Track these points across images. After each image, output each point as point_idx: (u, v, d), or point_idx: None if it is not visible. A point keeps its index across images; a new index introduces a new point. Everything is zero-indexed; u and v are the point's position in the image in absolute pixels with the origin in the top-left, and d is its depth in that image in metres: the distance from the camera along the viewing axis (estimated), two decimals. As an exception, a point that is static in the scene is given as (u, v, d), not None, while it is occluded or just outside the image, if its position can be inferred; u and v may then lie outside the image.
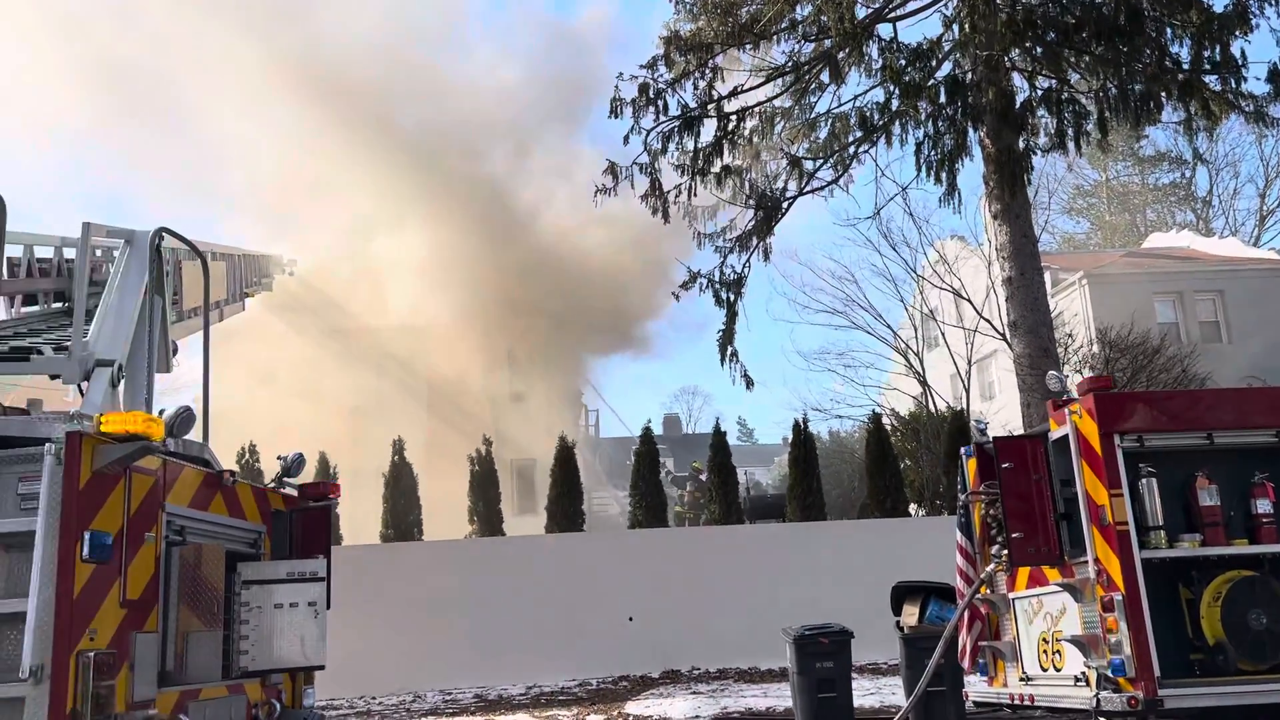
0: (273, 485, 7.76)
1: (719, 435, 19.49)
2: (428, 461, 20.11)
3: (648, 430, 19.34)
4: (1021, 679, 8.66)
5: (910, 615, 10.98)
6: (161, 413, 6.10)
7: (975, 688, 9.21)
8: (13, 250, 9.71)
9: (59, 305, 9.22)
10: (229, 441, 19.13)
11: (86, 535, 5.43)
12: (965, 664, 9.31)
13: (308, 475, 18.49)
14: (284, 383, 26.25)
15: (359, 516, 19.33)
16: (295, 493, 7.94)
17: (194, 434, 6.98)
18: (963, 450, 9.44)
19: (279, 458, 7.87)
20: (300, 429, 21.60)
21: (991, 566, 8.86)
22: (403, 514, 18.75)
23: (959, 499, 9.37)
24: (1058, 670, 8.17)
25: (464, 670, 16.62)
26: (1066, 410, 7.87)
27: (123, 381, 7.34)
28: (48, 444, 5.49)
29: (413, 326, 26.94)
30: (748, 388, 19.38)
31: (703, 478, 21.36)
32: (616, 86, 19.01)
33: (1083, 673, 7.65)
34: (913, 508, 20.69)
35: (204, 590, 6.23)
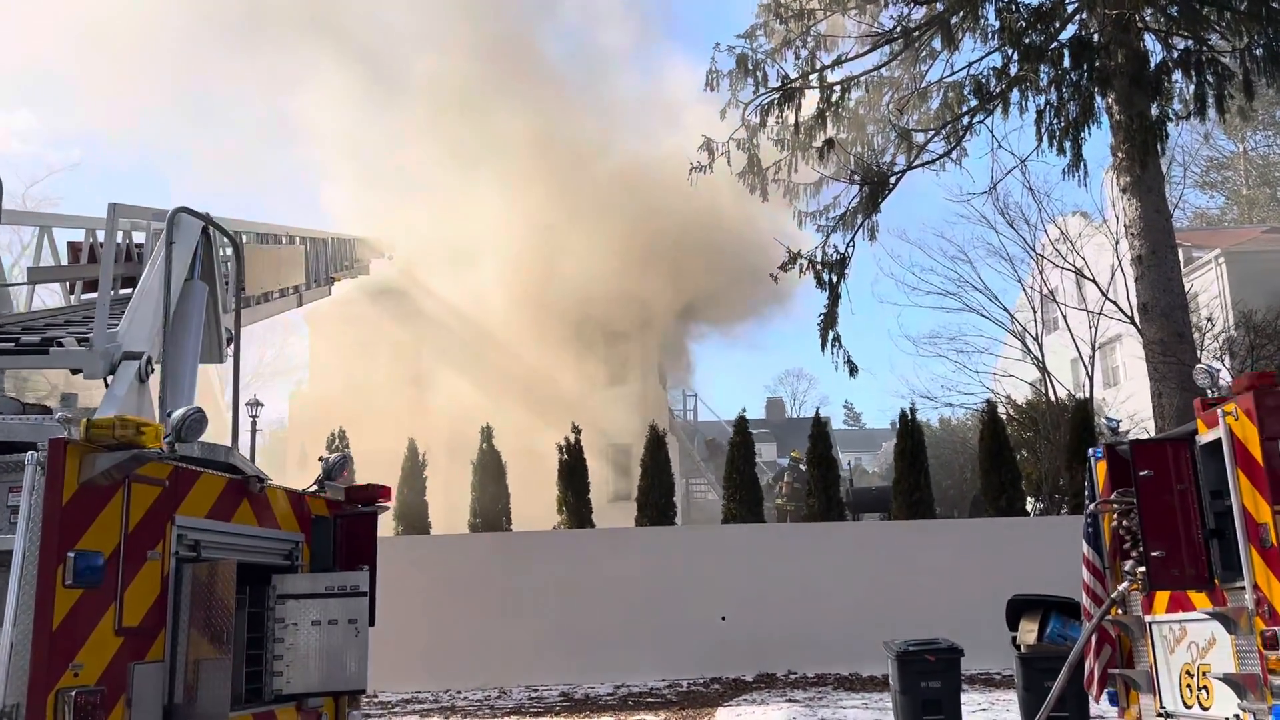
0: (313, 489, 7.04)
1: (819, 425, 18.55)
2: (520, 449, 19.46)
3: (741, 419, 18.45)
4: (1160, 714, 7.63)
5: (1029, 632, 10.04)
6: (170, 415, 5.40)
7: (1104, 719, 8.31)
8: (75, 234, 9.32)
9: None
10: (319, 429, 18.83)
11: (71, 556, 4.74)
12: (1092, 692, 8.29)
13: (392, 466, 18.32)
14: (381, 369, 25.85)
15: (449, 505, 18.76)
16: (341, 497, 7.22)
17: (220, 436, 6.33)
18: (1091, 452, 8.41)
19: (320, 459, 7.15)
20: (393, 417, 21.15)
21: (1125, 586, 7.85)
22: (490, 503, 18.13)
23: (1086, 507, 8.34)
24: (1204, 709, 7.12)
25: (551, 667, 16.05)
26: (1219, 410, 6.77)
27: (154, 376, 6.71)
28: (30, 452, 4.83)
29: (508, 313, 26.38)
30: (851, 374, 18.66)
31: (802, 467, 20.42)
32: (713, 58, 18.22)
33: (1236, 715, 6.62)
34: (1030, 503, 19.50)
35: (219, 611, 5.51)
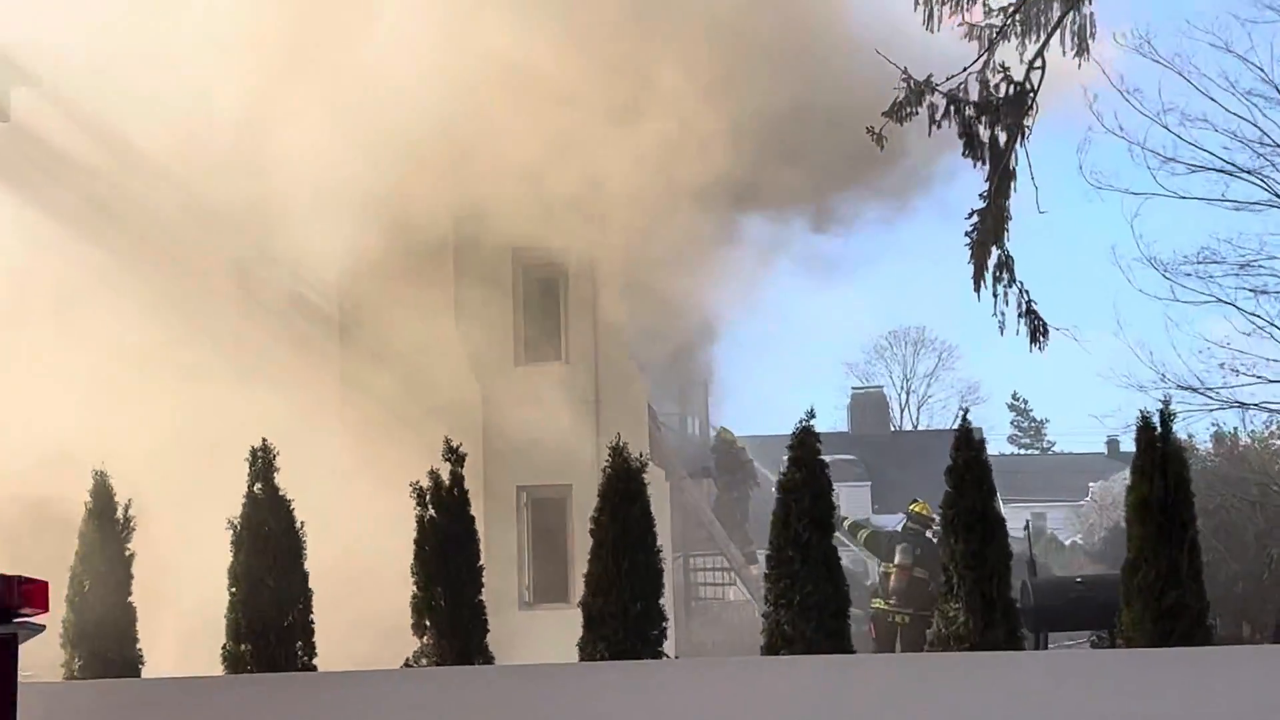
0: None
1: (968, 446, 11.37)
2: (339, 492, 14.53)
3: (806, 434, 11.10)
4: None
5: None
6: None
7: None
8: None
9: None
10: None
11: None
12: None
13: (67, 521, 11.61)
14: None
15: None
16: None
17: None
18: None
19: None
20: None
21: None
22: (266, 611, 10.57)
23: None
24: None
25: None
26: None
27: None
28: None
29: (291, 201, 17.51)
30: (1033, 341, 12.26)
31: (931, 533, 16.70)
32: None
33: None
34: None
35: None
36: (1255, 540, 23.52)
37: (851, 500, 51.52)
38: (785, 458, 11.23)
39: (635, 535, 10.85)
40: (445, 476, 10.89)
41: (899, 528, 20.21)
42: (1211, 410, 25.13)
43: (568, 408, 20.62)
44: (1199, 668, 10.68)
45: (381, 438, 18.40)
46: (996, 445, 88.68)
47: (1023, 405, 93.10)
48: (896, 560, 18.86)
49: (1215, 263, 25.23)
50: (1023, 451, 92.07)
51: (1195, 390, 25.04)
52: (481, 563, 11.12)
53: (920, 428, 77.52)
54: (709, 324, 26.09)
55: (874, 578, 20.14)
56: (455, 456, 10.94)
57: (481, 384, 20.97)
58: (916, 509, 19.84)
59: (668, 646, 11.38)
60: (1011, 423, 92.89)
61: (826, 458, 11.39)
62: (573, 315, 21.97)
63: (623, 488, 10.94)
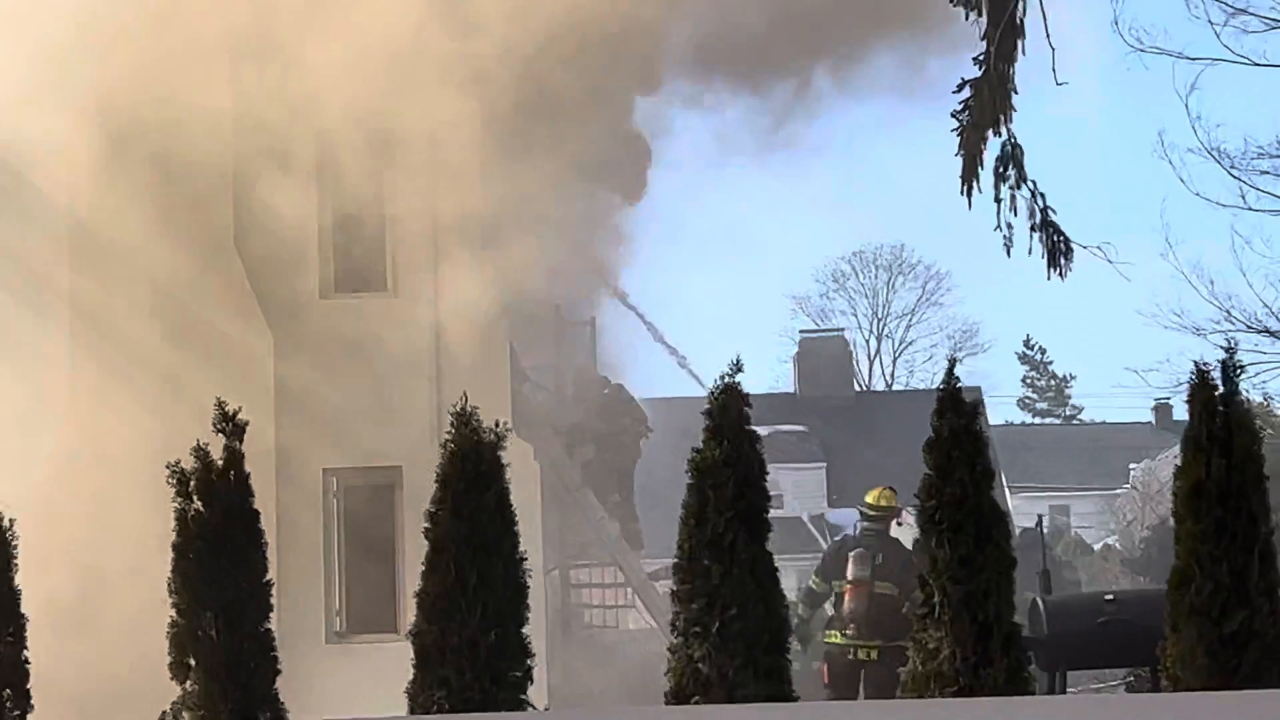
0: None
1: (955, 410, 11.90)
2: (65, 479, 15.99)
3: (728, 393, 11.61)
4: None
5: None
6: None
7: None
8: None
9: None
10: None
11: None
12: None
13: None
14: None
15: None
16: None
17: None
18: None
19: None
20: None
21: None
22: None
23: None
24: None
25: None
26: None
27: None
28: None
29: None
30: (1052, 264, 12.97)
31: (899, 524, 18.54)
32: None
33: None
34: None
35: None
36: (1358, 543, 24.00)
37: (799, 487, 52.11)
38: (702, 429, 11.45)
39: (489, 537, 11.02)
40: (218, 454, 11.00)
41: (854, 530, 20.99)
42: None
43: (395, 358, 20.74)
44: (1275, 718, 10.85)
45: (130, 404, 18.58)
46: (1001, 411, 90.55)
47: (1038, 356, 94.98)
48: (849, 574, 19.18)
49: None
50: (1038, 420, 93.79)
51: (1273, 334, 25.61)
52: (270, 577, 11.25)
53: (897, 387, 78.39)
54: (600, 241, 26.35)
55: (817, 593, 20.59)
56: (231, 426, 11.02)
57: (273, 326, 21.10)
58: (876, 499, 20.38)
59: (535, 693, 11.57)
60: (1023, 380, 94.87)
61: (761, 428, 11.76)
62: (402, 225, 22.13)
63: (471, 470, 11.05)
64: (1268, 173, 24.83)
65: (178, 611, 10.80)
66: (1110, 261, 13.79)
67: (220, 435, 10.97)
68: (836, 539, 21.80)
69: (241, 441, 10.96)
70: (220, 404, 11.07)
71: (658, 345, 36.26)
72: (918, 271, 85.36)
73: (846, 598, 19.15)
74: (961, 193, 12.57)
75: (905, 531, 18.14)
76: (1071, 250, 12.68)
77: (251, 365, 20.00)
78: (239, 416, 10.98)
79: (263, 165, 21.58)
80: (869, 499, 20.47)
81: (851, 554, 19.32)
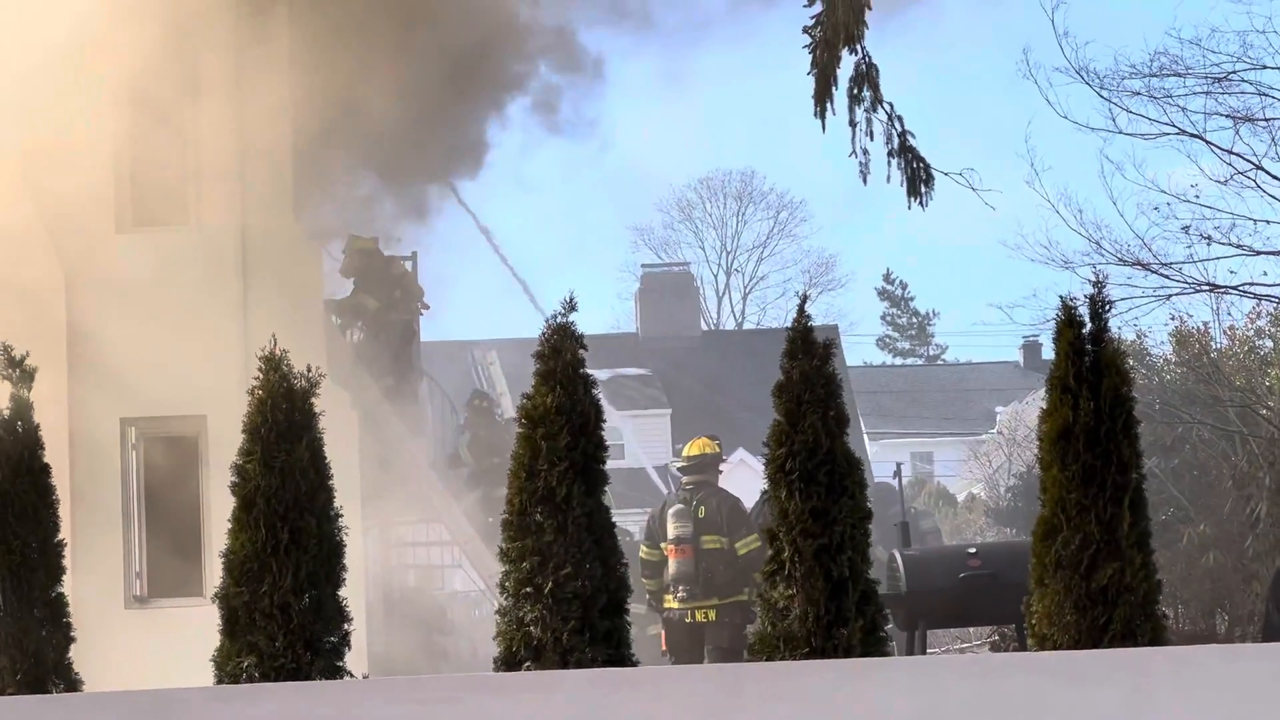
0: None
1: (804, 337, 11.94)
2: None
3: (559, 333, 11.59)
4: None
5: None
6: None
7: None
8: None
9: None
10: None
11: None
12: None
13: None
14: None
15: None
16: None
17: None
18: None
19: None
20: None
21: None
22: None
23: None
24: None
25: None
26: None
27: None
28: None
29: None
30: (911, 192, 13.14)
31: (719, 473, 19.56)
32: None
33: None
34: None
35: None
36: (1234, 489, 24.43)
37: (642, 435, 52.04)
38: (533, 372, 11.42)
39: (302, 491, 10.96)
40: (3, 403, 10.89)
41: (681, 480, 21.26)
42: (1170, 295, 26.24)
43: (197, 295, 20.58)
44: (1146, 678, 11.09)
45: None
46: (859, 351, 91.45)
47: (899, 291, 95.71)
48: (669, 533, 19.30)
49: (1176, 75, 26.22)
50: (899, 361, 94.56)
51: (1146, 266, 26.00)
52: (63, 536, 11.17)
53: (748, 326, 78.67)
54: (423, 159, 26.31)
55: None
56: (19, 372, 10.92)
57: (64, 263, 20.81)
58: (691, 449, 20.56)
59: (354, 660, 11.60)
60: (883, 317, 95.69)
61: (599, 372, 11.60)
62: (206, 150, 21.87)
63: (282, 419, 11.01)
64: (1140, 93, 24.93)
65: (-42, 575, 10.64)
66: (974, 189, 13.95)
67: (6, 382, 10.84)
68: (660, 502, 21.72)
69: (30, 389, 10.84)
70: (5, 349, 10.93)
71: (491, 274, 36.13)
72: (769, 200, 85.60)
73: (671, 559, 19.16)
74: (815, 115, 12.60)
75: (749, 480, 18.23)
76: (932, 177, 12.82)
77: (41, 306, 19.72)
78: (27, 362, 10.88)
79: (52, 89, 21.32)
80: (686, 451, 20.59)
81: (670, 512, 19.35)
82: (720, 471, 20.05)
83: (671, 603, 19.26)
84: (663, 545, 19.52)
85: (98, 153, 21.35)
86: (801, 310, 11.43)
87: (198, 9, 21.00)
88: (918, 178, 12.69)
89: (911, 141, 12.59)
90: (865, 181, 13.03)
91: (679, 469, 21.14)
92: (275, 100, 21.82)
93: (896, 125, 12.67)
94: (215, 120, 22.03)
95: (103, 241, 21.18)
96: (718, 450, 19.93)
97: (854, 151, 12.89)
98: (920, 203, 13.29)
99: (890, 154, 12.67)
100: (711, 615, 18.72)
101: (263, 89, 21.75)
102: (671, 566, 19.06)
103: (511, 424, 27.19)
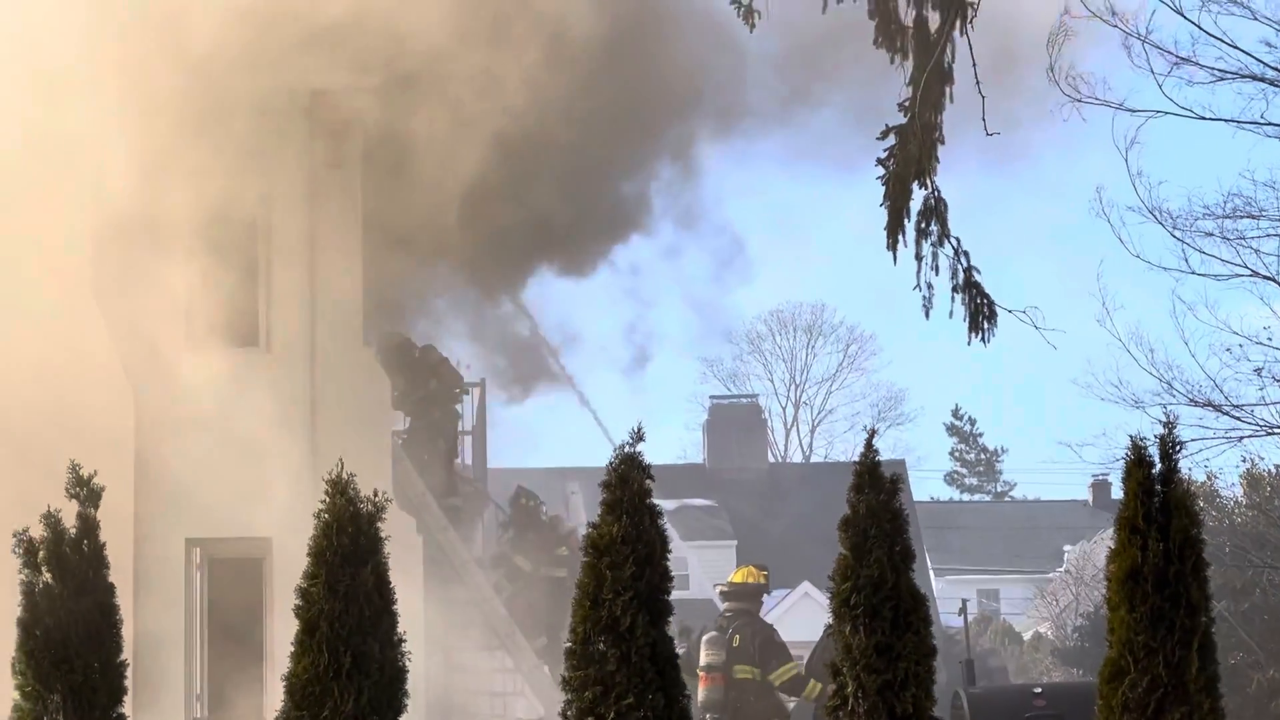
0: None
1: (872, 471, 11.72)
2: None
3: (627, 464, 11.40)
4: None
5: None
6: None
7: None
8: None
9: None
10: None
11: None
12: None
13: None
14: None
15: None
16: None
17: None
18: None
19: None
20: None
21: None
22: None
23: None
24: None
25: None
26: None
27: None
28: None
29: None
30: (973, 328, 12.97)
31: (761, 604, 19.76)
32: None
33: None
34: None
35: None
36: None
37: (708, 566, 51.77)
38: (599, 501, 11.33)
39: (366, 616, 10.88)
40: (69, 522, 10.79)
41: (718, 623, 20.67)
42: (1242, 438, 25.85)
43: (265, 417, 20.56)
44: None
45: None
46: (927, 486, 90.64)
47: (968, 427, 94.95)
48: (701, 660, 19.23)
49: (1250, 217, 26.04)
50: (966, 496, 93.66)
51: (1217, 408, 25.71)
52: (125, 657, 11.09)
53: (815, 459, 78.20)
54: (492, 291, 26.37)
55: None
56: (86, 490, 10.82)
57: (133, 380, 20.80)
58: (738, 576, 20.61)
59: None
60: (951, 453, 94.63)
61: (665, 502, 11.51)
62: (277, 275, 21.88)
63: (348, 543, 10.93)
64: (1213, 234, 24.75)
65: (21, 694, 10.57)
66: (1037, 327, 13.78)
67: (73, 501, 10.80)
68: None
69: (97, 508, 10.78)
70: (74, 467, 10.90)
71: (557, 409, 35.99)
72: (839, 333, 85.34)
73: (701, 687, 18.86)
74: (887, 248, 12.52)
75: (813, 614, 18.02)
76: (995, 314, 12.66)
77: (109, 426, 19.72)
78: (94, 481, 10.83)
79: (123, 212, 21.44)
80: (731, 577, 20.46)
81: (705, 639, 19.15)
82: (762, 603, 19.88)
83: None
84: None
85: (169, 275, 21.41)
86: (869, 444, 11.23)
87: (270, 134, 21.11)
88: (980, 314, 12.57)
89: (976, 277, 12.48)
90: (928, 316, 12.91)
91: (721, 593, 20.93)
92: (347, 231, 21.96)
93: (962, 260, 12.57)
94: (286, 244, 22.13)
95: (172, 361, 21.22)
96: (763, 581, 19.79)
97: (918, 285, 12.80)
98: (982, 339, 13.16)
99: (955, 289, 12.59)
100: None
101: (334, 213, 21.87)
102: (701, 694, 18.82)
103: (556, 520, 27.22)
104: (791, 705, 20.13)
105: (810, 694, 19.28)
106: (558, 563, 26.11)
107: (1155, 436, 11.30)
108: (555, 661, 25.70)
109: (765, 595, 20.37)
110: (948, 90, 12.36)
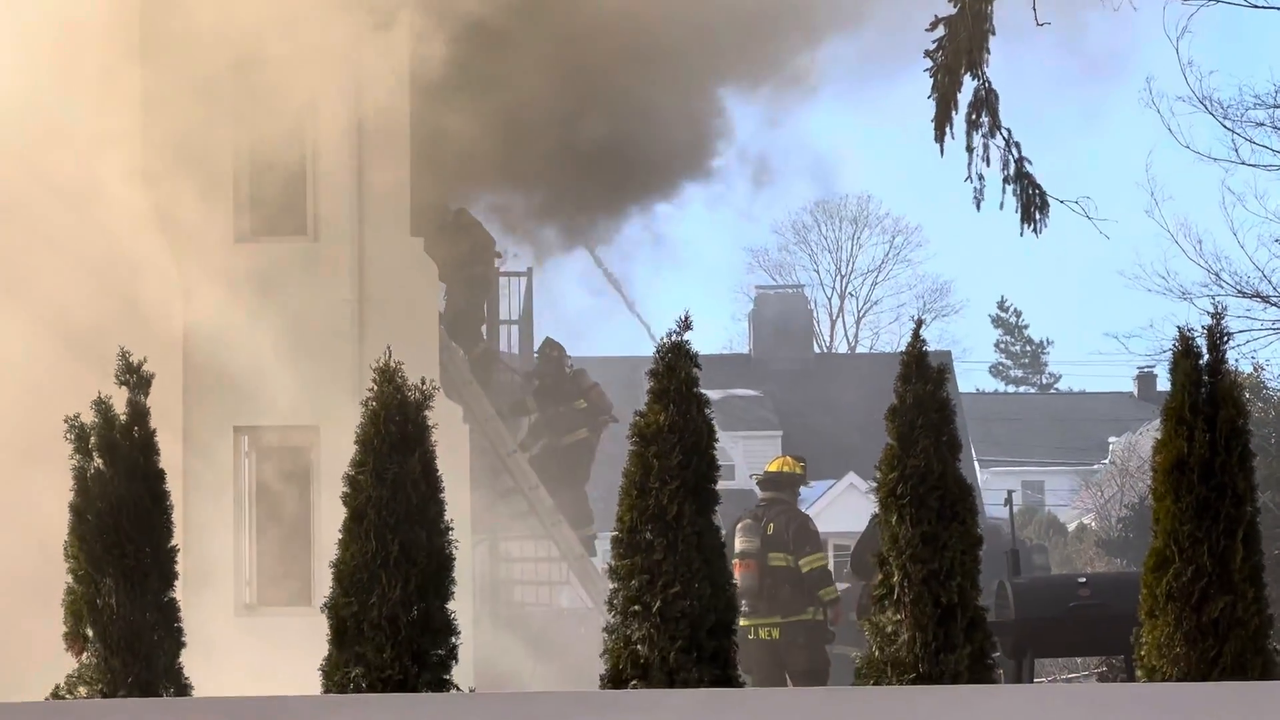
0: None
1: (918, 362, 11.77)
2: None
3: (674, 352, 11.36)
4: None
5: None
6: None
7: None
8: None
9: None
10: None
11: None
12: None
13: None
14: None
15: None
16: None
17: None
18: None
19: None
20: None
21: None
22: None
23: None
24: None
25: None
26: None
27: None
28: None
29: None
30: (1025, 220, 13.04)
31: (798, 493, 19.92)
32: None
33: None
34: None
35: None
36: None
37: (753, 456, 51.84)
38: (645, 389, 11.32)
39: (413, 504, 10.94)
40: (120, 409, 10.85)
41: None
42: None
43: (312, 307, 20.58)
44: (1255, 713, 10.76)
45: (19, 359, 18.53)
46: (972, 378, 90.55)
47: (1013, 319, 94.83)
48: (736, 547, 19.20)
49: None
50: (1012, 388, 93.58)
51: (1265, 299, 25.64)
52: (176, 542, 11.15)
53: (861, 349, 78.28)
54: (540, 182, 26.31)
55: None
56: (136, 378, 10.88)
57: (182, 270, 20.82)
58: (774, 466, 20.65)
59: (461, 673, 11.50)
60: (997, 344, 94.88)
61: (711, 392, 11.50)
62: (324, 163, 21.86)
63: (395, 431, 10.96)
64: (1264, 124, 24.57)
65: (74, 578, 10.63)
66: (1089, 218, 13.75)
67: (123, 388, 10.84)
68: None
69: (147, 395, 10.83)
70: (124, 354, 10.95)
71: (604, 297, 35.90)
72: (885, 225, 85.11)
73: (736, 573, 18.76)
74: (934, 139, 12.47)
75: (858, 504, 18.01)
76: (1047, 205, 12.62)
77: (157, 317, 19.80)
78: (144, 368, 10.88)
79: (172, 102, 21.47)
80: (767, 466, 20.87)
81: (739, 527, 19.16)
82: (798, 494, 19.88)
83: (741, 621, 18.64)
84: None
85: (218, 164, 21.41)
86: (916, 334, 11.19)
87: (318, 18, 20.98)
88: (1032, 204, 12.54)
89: (1028, 168, 12.46)
90: (979, 208, 12.84)
91: (757, 483, 21.41)
92: (394, 112, 21.85)
93: (1013, 151, 12.53)
94: (334, 129, 22.06)
95: (221, 251, 21.25)
96: (799, 471, 19.76)
97: (969, 176, 12.75)
98: (1034, 230, 13.08)
99: (1006, 180, 12.53)
100: (775, 634, 18.59)
101: (381, 98, 21.78)
102: (737, 579, 18.75)
103: (579, 374, 27.21)
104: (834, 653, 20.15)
105: (827, 595, 19.34)
106: (576, 421, 26.12)
107: (1202, 327, 11.20)
108: (581, 520, 25.95)
109: (802, 486, 20.32)
110: (998, -23, 12.24)
